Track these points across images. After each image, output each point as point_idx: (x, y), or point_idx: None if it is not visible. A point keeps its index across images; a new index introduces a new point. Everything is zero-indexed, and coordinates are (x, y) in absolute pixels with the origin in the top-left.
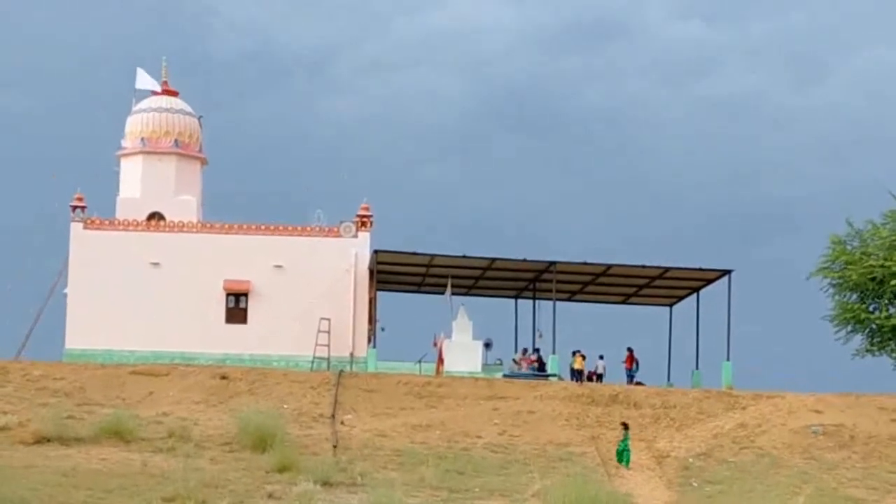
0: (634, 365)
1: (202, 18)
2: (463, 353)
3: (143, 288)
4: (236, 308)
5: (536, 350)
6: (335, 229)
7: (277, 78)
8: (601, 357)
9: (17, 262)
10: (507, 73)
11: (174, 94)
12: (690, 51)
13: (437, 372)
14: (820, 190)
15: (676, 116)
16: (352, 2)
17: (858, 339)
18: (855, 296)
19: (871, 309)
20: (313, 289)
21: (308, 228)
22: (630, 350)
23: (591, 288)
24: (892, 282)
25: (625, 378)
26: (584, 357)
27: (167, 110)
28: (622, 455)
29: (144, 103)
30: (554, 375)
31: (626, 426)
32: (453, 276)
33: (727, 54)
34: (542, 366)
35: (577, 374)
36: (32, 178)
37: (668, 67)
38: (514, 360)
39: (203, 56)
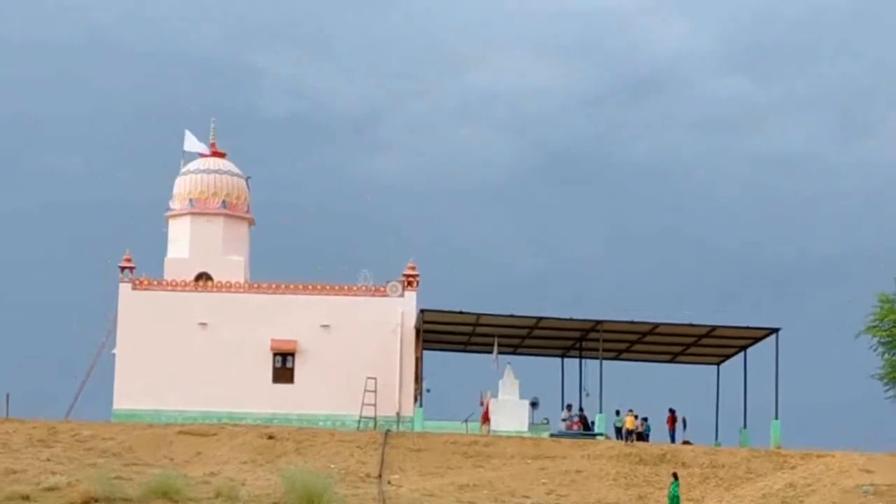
0: (681, 424)
1: (250, 79)
2: (509, 412)
3: (191, 348)
4: (283, 367)
5: (581, 410)
6: (382, 289)
7: (324, 137)
8: (638, 417)
9: (60, 320)
10: (550, 130)
11: (222, 155)
12: (736, 106)
13: (484, 431)
14: (869, 245)
15: (723, 172)
16: (396, 63)
17: None
18: None
19: None
20: (360, 348)
21: (355, 288)
22: (672, 410)
23: (637, 346)
24: None
25: (668, 437)
26: (636, 416)
27: (215, 171)
28: (672, 501)
29: (193, 165)
30: (601, 434)
31: (675, 476)
32: (499, 336)
33: (773, 110)
34: (586, 424)
35: (627, 434)
36: (80, 236)
37: (714, 123)
38: (562, 420)
39: (251, 116)
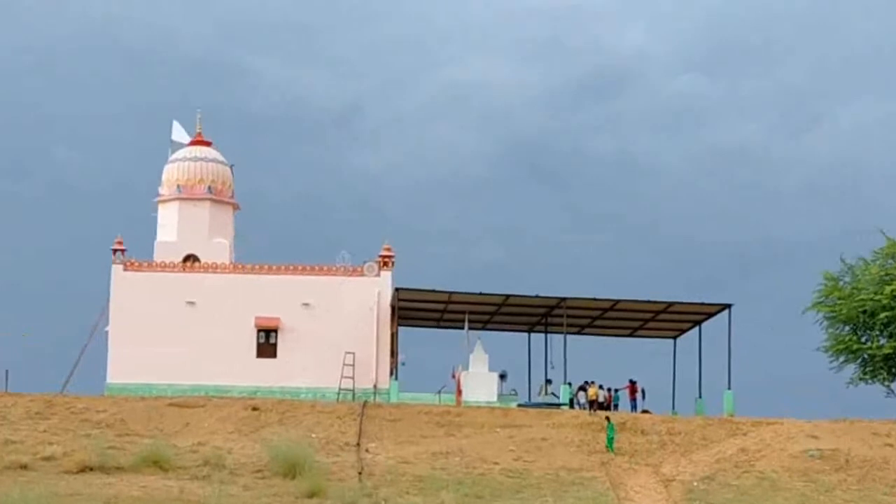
0: (640, 395)
1: (239, 76)
2: (480, 383)
3: (180, 325)
4: (266, 343)
5: (549, 381)
6: (359, 269)
7: (309, 131)
8: (601, 387)
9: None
10: (519, 126)
11: (207, 144)
12: (689, 103)
13: (457, 402)
14: (812, 230)
15: (678, 163)
16: (377, 60)
17: (851, 369)
18: (847, 328)
19: (863, 340)
20: (339, 325)
21: (334, 268)
22: (632, 381)
23: (599, 322)
24: (882, 314)
25: (629, 407)
26: (600, 387)
27: (201, 159)
28: (610, 442)
29: (180, 153)
30: (564, 404)
31: (608, 419)
32: (470, 312)
33: (724, 106)
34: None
35: (590, 404)
36: (73, 222)
37: (669, 118)
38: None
39: (240, 111)
